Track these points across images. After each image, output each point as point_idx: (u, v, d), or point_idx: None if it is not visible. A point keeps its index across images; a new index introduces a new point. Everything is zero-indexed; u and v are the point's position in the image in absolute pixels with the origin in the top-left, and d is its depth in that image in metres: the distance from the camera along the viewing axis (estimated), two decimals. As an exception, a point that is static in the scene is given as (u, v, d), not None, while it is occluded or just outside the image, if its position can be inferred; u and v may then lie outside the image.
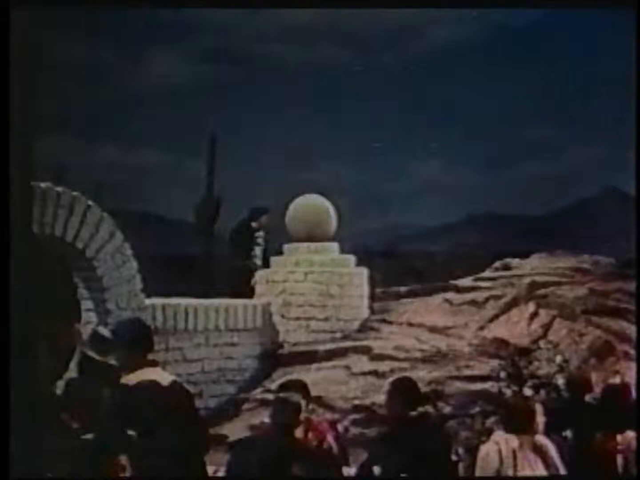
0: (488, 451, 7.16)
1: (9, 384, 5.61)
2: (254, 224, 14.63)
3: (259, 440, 7.34)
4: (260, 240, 14.58)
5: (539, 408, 7.49)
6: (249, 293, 13.63)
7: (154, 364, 6.94)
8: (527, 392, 10.42)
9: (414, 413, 7.28)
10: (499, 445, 7.09)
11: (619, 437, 7.19)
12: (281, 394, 7.41)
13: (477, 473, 7.24)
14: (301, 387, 8.00)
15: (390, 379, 8.40)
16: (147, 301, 11.75)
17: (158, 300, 12.06)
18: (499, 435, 7.27)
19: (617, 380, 10.01)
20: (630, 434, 7.26)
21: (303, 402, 7.37)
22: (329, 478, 7.12)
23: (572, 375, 9.37)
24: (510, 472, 7.04)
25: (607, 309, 12.93)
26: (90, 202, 11.14)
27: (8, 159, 5.70)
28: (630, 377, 11.03)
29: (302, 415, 7.66)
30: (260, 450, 6.95)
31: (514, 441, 7.07)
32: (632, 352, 12.25)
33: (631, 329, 12.57)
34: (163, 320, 11.88)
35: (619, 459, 7.15)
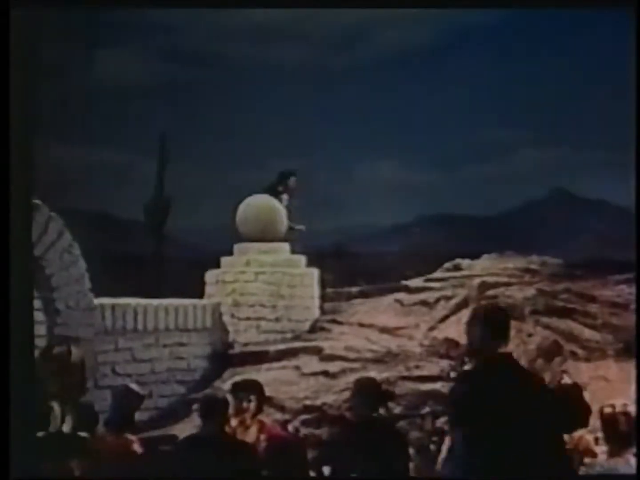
0: None
1: (9, 384, 5.59)
2: (280, 188, 14.50)
3: (191, 438, 7.36)
4: (284, 204, 14.41)
5: None
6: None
7: None
8: None
9: (375, 414, 7.29)
10: None
11: (566, 437, 7.24)
12: (208, 392, 7.43)
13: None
14: (255, 387, 7.99)
15: (355, 379, 8.39)
16: (96, 301, 11.65)
17: (107, 300, 11.96)
18: None
19: (568, 380, 10.08)
20: (579, 433, 7.32)
21: (231, 399, 7.39)
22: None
23: None
24: None
25: (555, 309, 13.05)
26: (38, 201, 11.01)
27: (8, 160, 5.66)
28: (578, 378, 11.14)
29: (249, 417, 7.67)
30: (188, 447, 7.00)
31: None
32: (580, 352, 12.38)
33: (579, 329, 12.71)
34: (112, 320, 11.79)
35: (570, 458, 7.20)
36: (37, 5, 6.04)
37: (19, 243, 5.68)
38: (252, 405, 7.91)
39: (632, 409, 7.75)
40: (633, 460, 6.64)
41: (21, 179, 5.72)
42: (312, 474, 7.33)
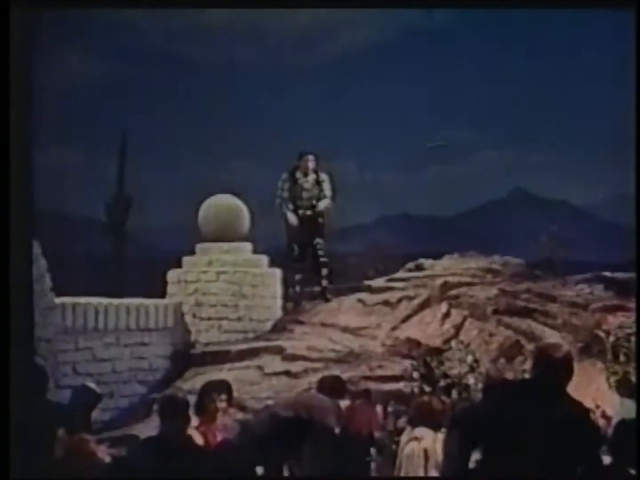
0: (413, 449, 7.21)
1: (9, 384, 5.56)
2: (297, 173, 13.77)
3: (152, 438, 7.36)
4: (307, 186, 13.69)
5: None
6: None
7: None
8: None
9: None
10: (424, 443, 7.14)
11: None
12: (168, 392, 7.45)
13: (404, 471, 7.28)
14: (224, 388, 7.99)
15: (320, 377, 8.46)
16: (57, 300, 11.56)
17: (68, 299, 11.87)
18: (422, 432, 7.32)
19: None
20: None
21: (201, 399, 7.40)
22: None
23: (489, 375, 9.46)
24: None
25: (516, 309, 13.11)
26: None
27: (8, 159, 5.62)
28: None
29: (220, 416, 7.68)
30: (148, 446, 6.99)
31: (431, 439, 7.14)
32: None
33: (539, 329, 12.78)
34: (73, 320, 11.70)
35: None
36: (37, 5, 5.99)
37: (19, 245, 5.65)
38: (224, 405, 7.96)
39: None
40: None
41: (20, 180, 5.69)
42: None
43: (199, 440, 7.47)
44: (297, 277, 13.78)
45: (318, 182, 13.69)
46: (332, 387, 7.73)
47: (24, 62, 5.80)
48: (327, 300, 13.64)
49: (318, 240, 13.63)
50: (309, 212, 13.64)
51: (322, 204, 13.63)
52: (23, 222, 5.76)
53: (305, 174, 13.68)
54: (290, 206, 13.60)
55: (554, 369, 5.41)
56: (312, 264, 13.68)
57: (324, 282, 13.73)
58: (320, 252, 13.60)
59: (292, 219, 13.56)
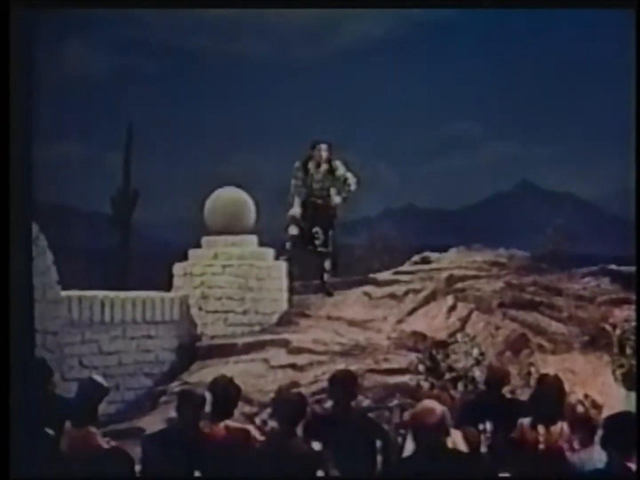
0: None
1: (9, 383, 5.56)
2: (310, 164, 13.46)
3: (165, 433, 7.38)
4: (318, 177, 13.42)
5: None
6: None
7: None
8: None
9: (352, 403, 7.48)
10: None
11: (541, 429, 7.28)
12: (186, 387, 7.49)
13: None
14: (231, 385, 8.01)
15: (333, 371, 8.54)
16: (63, 293, 11.58)
17: (74, 292, 11.89)
18: None
19: (550, 372, 10.10)
20: (559, 426, 7.34)
21: (209, 396, 7.43)
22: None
23: (491, 369, 9.47)
24: None
25: (522, 302, 13.11)
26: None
27: (8, 158, 5.62)
28: (545, 370, 11.19)
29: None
30: (164, 442, 7.02)
31: None
32: (546, 344, 12.45)
33: (545, 322, 12.78)
34: (79, 313, 11.72)
35: (541, 450, 7.24)
36: (37, 5, 5.98)
37: (18, 243, 5.65)
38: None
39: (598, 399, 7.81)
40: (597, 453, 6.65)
41: (20, 177, 5.69)
42: None
43: (213, 434, 7.48)
44: (288, 244, 13.52)
45: (331, 172, 13.48)
46: (345, 381, 7.76)
47: (26, 55, 5.79)
48: (330, 295, 13.56)
49: (316, 229, 13.42)
50: (319, 201, 13.49)
51: (343, 194, 13.48)
52: (23, 216, 5.76)
53: (318, 165, 13.46)
54: (298, 198, 13.46)
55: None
56: (312, 253, 13.55)
57: (326, 276, 13.65)
58: (317, 242, 13.41)
59: (295, 209, 13.42)
